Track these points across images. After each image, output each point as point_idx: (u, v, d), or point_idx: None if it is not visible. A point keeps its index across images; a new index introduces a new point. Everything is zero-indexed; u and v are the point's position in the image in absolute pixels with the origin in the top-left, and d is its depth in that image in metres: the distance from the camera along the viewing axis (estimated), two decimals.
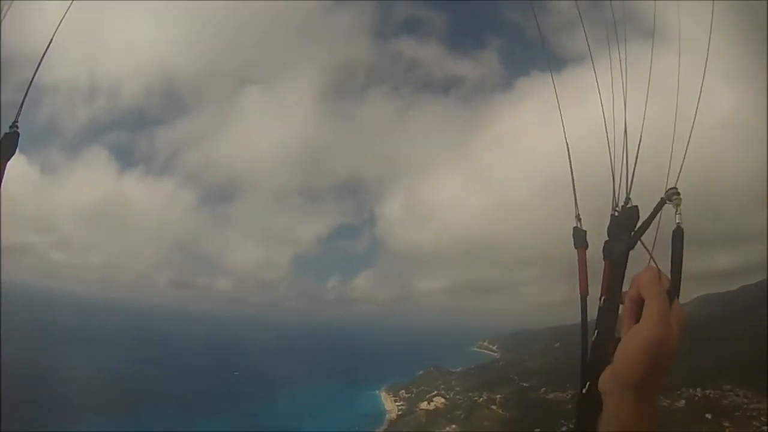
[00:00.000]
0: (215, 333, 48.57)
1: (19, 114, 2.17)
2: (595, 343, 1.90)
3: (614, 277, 1.88)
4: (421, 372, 40.19)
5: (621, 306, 1.78)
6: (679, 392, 26.70)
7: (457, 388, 37.06)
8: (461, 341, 47.63)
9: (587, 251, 2.22)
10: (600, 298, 1.96)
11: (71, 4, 2.09)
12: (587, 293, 2.07)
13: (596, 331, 1.92)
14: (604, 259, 2.01)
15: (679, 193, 1.81)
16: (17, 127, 2.12)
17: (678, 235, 1.67)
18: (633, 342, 1.36)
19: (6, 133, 2.08)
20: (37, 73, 2.08)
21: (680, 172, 1.99)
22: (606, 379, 1.43)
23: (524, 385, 34.91)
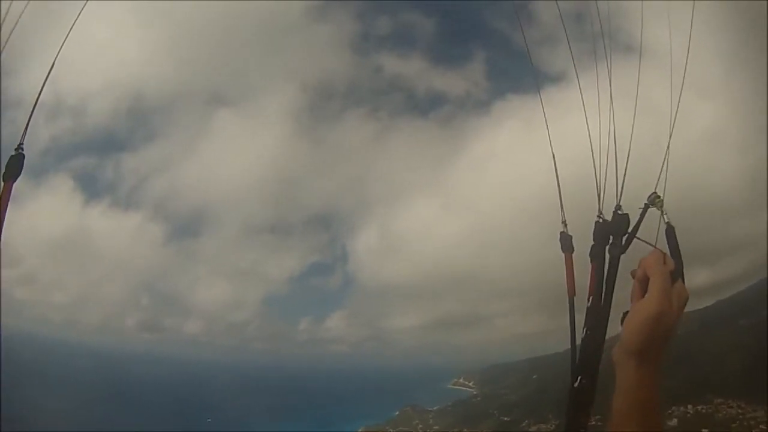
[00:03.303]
0: (184, 377, 47.03)
1: (23, 136, 2.19)
2: (585, 340, 2.00)
3: (608, 277, 1.99)
4: (397, 412, 39.47)
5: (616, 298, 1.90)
6: (669, 411, 26.76)
7: (436, 427, 36.44)
8: (436, 378, 47.11)
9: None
10: (588, 298, 2.04)
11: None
12: (575, 294, 2.17)
13: (585, 329, 2.01)
14: (591, 262, 2.09)
15: (660, 196, 1.95)
16: (22, 149, 2.17)
17: (670, 232, 1.84)
18: (637, 315, 1.57)
19: (12, 156, 2.13)
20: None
21: (657, 181, 2.11)
22: (616, 350, 1.59)
23: (505, 419, 34.55)
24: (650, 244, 1.85)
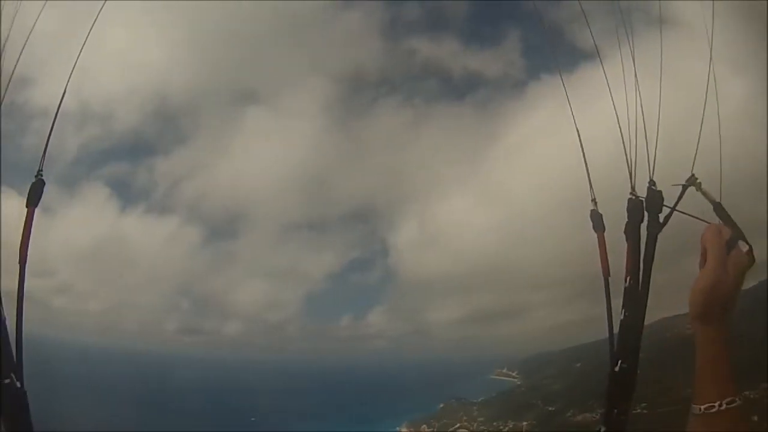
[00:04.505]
0: (226, 377, 47.89)
1: (42, 163, 2.28)
2: (624, 323, 1.94)
3: (645, 257, 1.93)
4: (441, 405, 39.37)
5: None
6: None
7: (480, 419, 36.31)
8: (480, 370, 46.75)
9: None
10: (625, 279, 1.98)
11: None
12: (609, 274, 2.12)
13: (624, 311, 1.95)
14: (627, 240, 2.03)
15: (698, 178, 1.93)
16: (42, 175, 2.26)
17: (719, 208, 1.88)
18: (695, 285, 1.77)
19: (33, 183, 2.24)
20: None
21: (694, 161, 2.05)
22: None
23: (549, 409, 34.19)
24: (701, 219, 1.89)
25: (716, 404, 1.67)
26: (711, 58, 2.27)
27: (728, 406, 1.67)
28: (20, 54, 2.07)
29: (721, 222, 1.87)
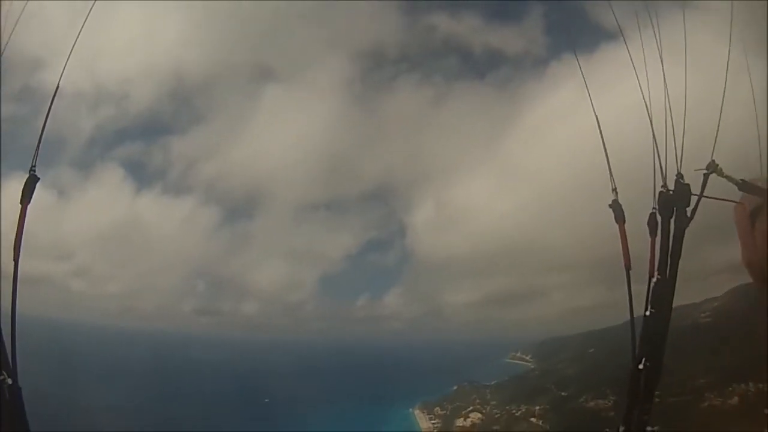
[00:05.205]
0: (243, 359, 48.46)
1: (35, 158, 2.26)
2: (649, 321, 1.85)
3: (673, 252, 1.84)
4: (455, 387, 39.66)
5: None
6: (730, 389, 25.99)
7: (493, 402, 36.48)
8: (494, 353, 46.86)
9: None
10: (653, 274, 1.89)
11: None
12: (630, 267, 2.03)
13: (649, 308, 1.86)
14: (650, 234, 1.93)
15: (717, 163, 1.84)
16: (35, 171, 2.24)
17: (744, 186, 1.81)
18: None
19: (27, 178, 2.21)
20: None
21: (714, 146, 1.96)
22: None
23: (562, 394, 34.17)
24: (726, 200, 1.82)
25: None
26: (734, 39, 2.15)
27: None
28: (10, 33, 2.02)
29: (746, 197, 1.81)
